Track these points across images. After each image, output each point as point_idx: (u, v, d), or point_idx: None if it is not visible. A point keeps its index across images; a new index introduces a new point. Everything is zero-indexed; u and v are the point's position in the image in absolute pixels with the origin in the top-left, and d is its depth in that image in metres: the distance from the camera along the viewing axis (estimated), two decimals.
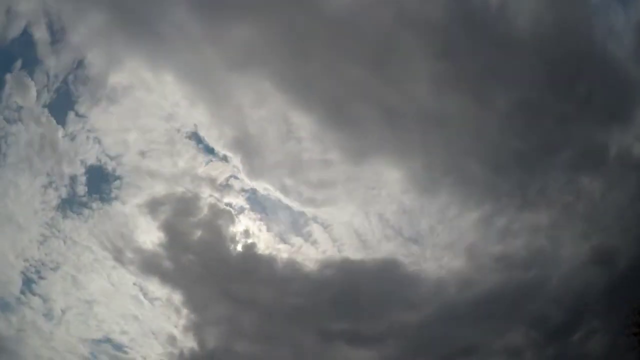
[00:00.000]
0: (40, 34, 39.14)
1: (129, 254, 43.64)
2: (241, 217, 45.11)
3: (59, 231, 42.59)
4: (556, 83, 42.11)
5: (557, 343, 43.16)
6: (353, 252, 46.67)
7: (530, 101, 41.64)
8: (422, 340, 43.87)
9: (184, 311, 44.68)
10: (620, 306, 37.50)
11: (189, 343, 44.12)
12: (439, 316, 44.68)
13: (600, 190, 44.93)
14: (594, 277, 43.21)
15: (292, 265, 45.32)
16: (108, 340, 44.00)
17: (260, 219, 45.77)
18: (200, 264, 44.30)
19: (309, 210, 45.63)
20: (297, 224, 46.54)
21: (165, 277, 44.10)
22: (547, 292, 44.87)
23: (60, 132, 40.82)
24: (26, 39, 39.07)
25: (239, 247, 44.84)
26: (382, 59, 38.47)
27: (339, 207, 45.74)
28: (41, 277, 42.55)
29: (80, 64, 39.96)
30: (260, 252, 45.21)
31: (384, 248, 46.86)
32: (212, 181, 43.70)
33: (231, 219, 44.42)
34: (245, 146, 42.69)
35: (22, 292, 41.72)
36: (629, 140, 44.45)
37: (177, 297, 44.72)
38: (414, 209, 45.19)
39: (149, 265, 43.90)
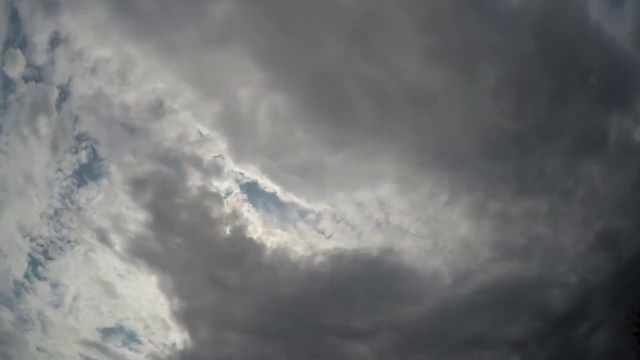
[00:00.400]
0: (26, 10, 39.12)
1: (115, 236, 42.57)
2: (227, 200, 43.52)
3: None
4: (550, 60, 40.63)
5: (561, 335, 40.82)
6: (342, 242, 44.68)
7: (522, 79, 40.07)
8: (419, 335, 42.06)
9: (174, 299, 43.58)
10: (628, 294, 35.75)
11: (178, 332, 43.32)
12: (436, 309, 42.87)
13: (601, 174, 43.16)
14: (600, 264, 41.04)
15: (281, 253, 43.77)
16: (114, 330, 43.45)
17: (247, 203, 44.17)
18: (187, 248, 42.95)
19: (297, 196, 43.84)
20: (286, 211, 44.80)
21: (153, 262, 43.00)
22: (550, 281, 42.69)
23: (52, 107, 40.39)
24: (13, 15, 39.35)
25: (227, 231, 43.23)
26: (365, 33, 37.26)
27: (328, 192, 44.13)
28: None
29: (65, 38, 39.43)
30: (248, 237, 43.51)
31: (374, 237, 44.84)
32: (197, 161, 42.40)
33: (216, 201, 42.88)
34: (230, 126, 41.18)
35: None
36: (629, 122, 42.95)
37: (166, 283, 43.61)
38: (404, 194, 43.09)
39: (135, 248, 42.75)
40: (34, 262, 41.75)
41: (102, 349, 42.56)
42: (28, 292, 41.49)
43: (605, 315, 39.87)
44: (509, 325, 42.09)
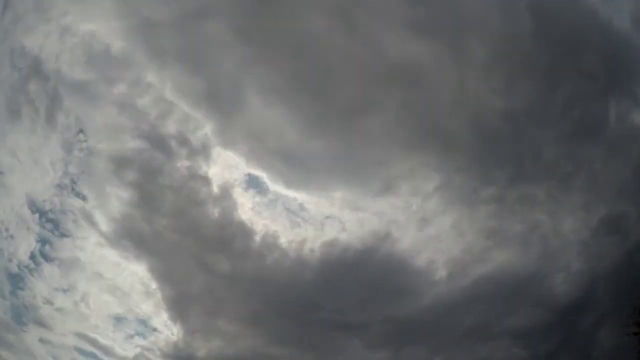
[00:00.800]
0: None
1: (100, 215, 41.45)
2: (214, 182, 41.86)
3: None
4: (544, 38, 38.99)
5: (564, 326, 38.50)
6: (329, 228, 43.01)
7: (514, 56, 38.42)
8: (413, 327, 40.29)
9: (162, 285, 42.60)
10: (634, 282, 33.48)
11: (168, 319, 42.34)
12: (430, 300, 41.31)
13: (601, 157, 41.02)
14: (605, 250, 39.14)
15: (270, 240, 42.36)
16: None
17: (234, 186, 42.49)
18: (174, 230, 41.84)
19: (283, 181, 42.30)
20: (272, 196, 43.29)
21: (140, 245, 41.87)
22: (551, 270, 40.69)
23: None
24: None
25: (214, 214, 41.89)
26: (348, 6, 36.04)
27: (313, 178, 42.45)
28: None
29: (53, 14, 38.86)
30: (236, 221, 42.08)
31: (363, 225, 42.92)
32: (182, 140, 40.94)
33: (203, 183, 41.48)
34: (214, 105, 39.84)
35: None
36: (628, 104, 40.84)
37: (155, 268, 42.52)
38: (391, 178, 41.20)
39: (121, 229, 41.61)
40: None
41: (92, 340, 41.50)
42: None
43: (611, 306, 37.43)
44: (508, 316, 40.16)
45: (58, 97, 40.33)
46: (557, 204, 41.35)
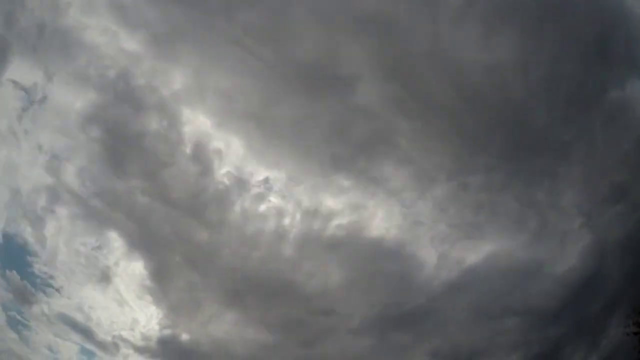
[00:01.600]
0: None
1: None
2: (187, 141, 38.75)
3: None
4: None
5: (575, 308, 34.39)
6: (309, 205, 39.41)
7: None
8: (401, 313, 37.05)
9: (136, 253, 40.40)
10: None
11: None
12: (420, 283, 37.82)
13: (601, 124, 36.58)
14: (612, 222, 35.21)
15: (247, 210, 39.38)
16: None
17: (206, 149, 39.18)
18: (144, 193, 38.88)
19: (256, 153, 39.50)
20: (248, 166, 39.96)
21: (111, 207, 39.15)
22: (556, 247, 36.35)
23: None
24: None
25: (188, 177, 38.96)
26: None
27: (282, 148, 38.96)
28: None
29: None
30: (210, 187, 39.01)
31: (342, 200, 39.09)
32: (151, 93, 37.63)
33: (175, 142, 38.41)
34: (181, 58, 37.08)
35: None
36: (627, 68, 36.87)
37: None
38: (364, 145, 37.21)
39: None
40: None
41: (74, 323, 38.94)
42: None
43: (623, 285, 32.02)
44: (511, 298, 36.17)
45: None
46: (555, 175, 36.62)
